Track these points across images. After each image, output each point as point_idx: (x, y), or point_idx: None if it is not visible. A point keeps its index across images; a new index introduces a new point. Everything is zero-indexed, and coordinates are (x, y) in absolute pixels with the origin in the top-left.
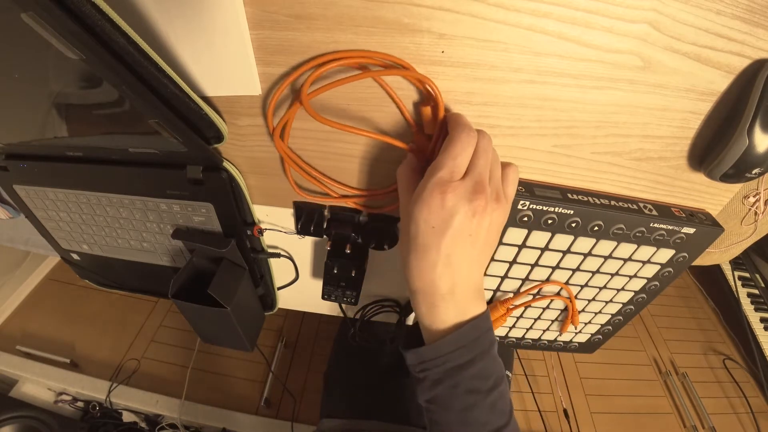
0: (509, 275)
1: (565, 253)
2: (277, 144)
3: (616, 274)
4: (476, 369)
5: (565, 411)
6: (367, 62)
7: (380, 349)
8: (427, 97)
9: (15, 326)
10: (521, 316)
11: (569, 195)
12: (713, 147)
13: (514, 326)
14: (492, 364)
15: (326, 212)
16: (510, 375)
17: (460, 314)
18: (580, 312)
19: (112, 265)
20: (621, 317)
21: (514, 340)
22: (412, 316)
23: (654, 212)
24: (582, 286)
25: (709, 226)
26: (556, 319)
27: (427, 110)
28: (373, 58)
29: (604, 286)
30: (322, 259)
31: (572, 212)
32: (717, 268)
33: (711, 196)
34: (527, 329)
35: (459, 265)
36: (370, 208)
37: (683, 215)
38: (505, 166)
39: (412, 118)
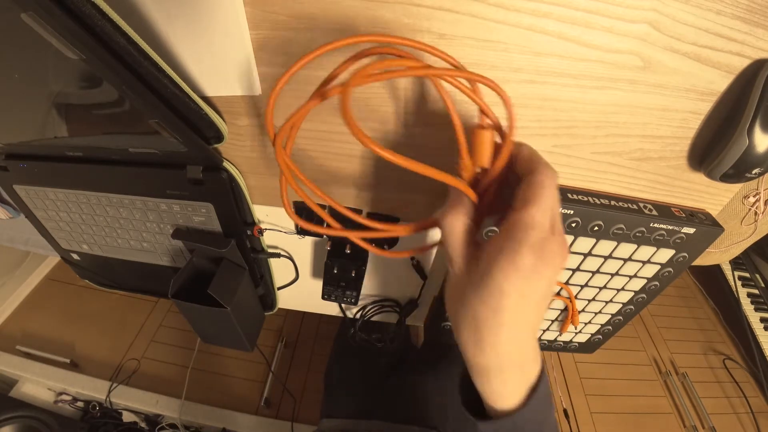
0: None
1: None
2: (278, 154)
3: (616, 274)
4: (548, 429)
5: (565, 411)
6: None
7: (381, 349)
8: (486, 118)
9: (15, 326)
10: None
11: (569, 195)
12: (713, 147)
13: None
14: (554, 414)
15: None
16: None
17: (526, 379)
18: (580, 312)
19: (112, 265)
20: (621, 317)
21: None
22: (412, 315)
23: (654, 212)
24: (582, 286)
25: (709, 226)
26: (556, 319)
27: (486, 136)
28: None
29: (604, 286)
30: (322, 259)
31: (572, 212)
32: (717, 268)
33: (711, 196)
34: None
35: (534, 330)
36: (381, 250)
37: (683, 215)
38: None
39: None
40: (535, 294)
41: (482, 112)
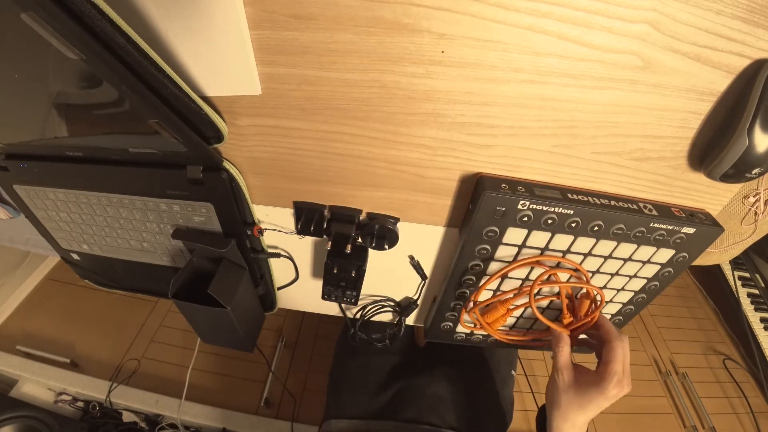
0: (509, 275)
1: (565, 253)
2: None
3: (616, 274)
4: None
5: None
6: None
7: (385, 348)
8: (587, 295)
9: (15, 326)
10: (521, 316)
11: (569, 195)
12: (713, 147)
13: (514, 326)
14: None
15: (326, 212)
16: (514, 374)
17: None
18: None
19: (112, 265)
20: (621, 317)
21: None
22: (412, 315)
23: (654, 212)
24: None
25: (709, 226)
26: (556, 319)
27: (586, 303)
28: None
29: (604, 286)
30: (322, 259)
31: (572, 212)
32: (717, 268)
33: (711, 196)
34: (527, 329)
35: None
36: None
37: (683, 215)
38: None
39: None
40: (604, 405)
41: (589, 293)
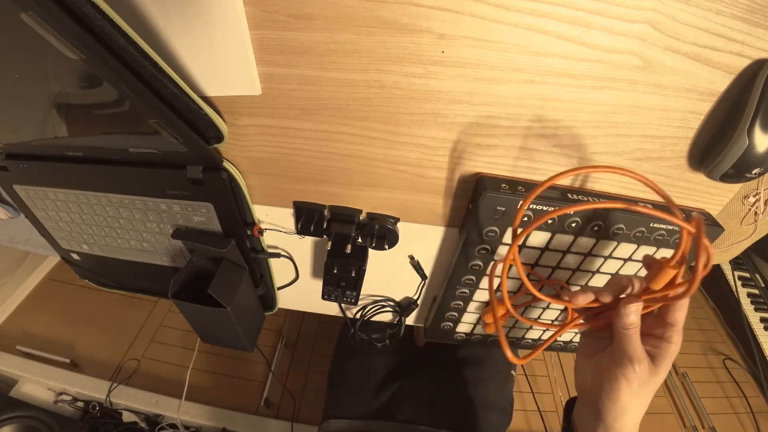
0: (509, 275)
1: (565, 253)
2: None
3: (617, 274)
4: None
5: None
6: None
7: (384, 348)
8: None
9: (15, 326)
10: (521, 315)
11: (569, 195)
12: (713, 147)
13: (514, 326)
14: None
15: (326, 212)
16: (514, 374)
17: None
18: None
19: (112, 265)
20: None
21: (514, 340)
22: (412, 315)
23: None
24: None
25: (709, 226)
26: (556, 319)
27: (670, 273)
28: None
29: None
30: (322, 259)
31: (572, 212)
32: (717, 268)
33: (711, 196)
34: (527, 329)
35: None
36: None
37: (683, 215)
38: None
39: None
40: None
41: (683, 257)
